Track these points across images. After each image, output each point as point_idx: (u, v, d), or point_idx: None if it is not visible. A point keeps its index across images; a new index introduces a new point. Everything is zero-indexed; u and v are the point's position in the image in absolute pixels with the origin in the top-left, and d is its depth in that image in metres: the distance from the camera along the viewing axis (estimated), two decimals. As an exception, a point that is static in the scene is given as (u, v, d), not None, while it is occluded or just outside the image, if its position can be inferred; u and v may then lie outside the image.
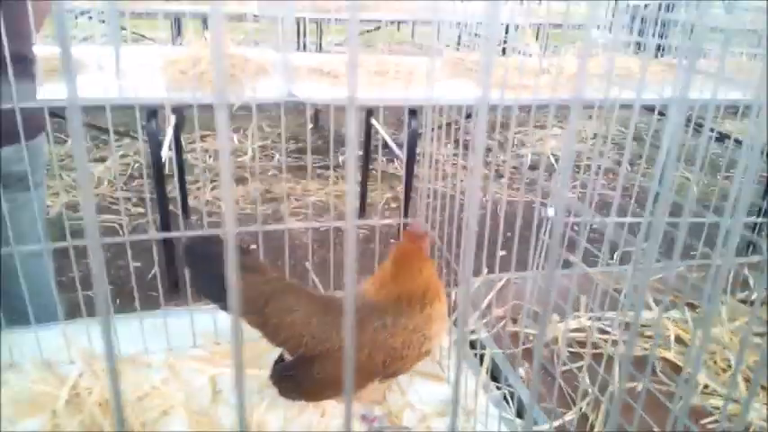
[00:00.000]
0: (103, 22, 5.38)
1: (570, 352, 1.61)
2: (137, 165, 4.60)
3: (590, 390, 1.44)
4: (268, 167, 4.82)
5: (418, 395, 1.43)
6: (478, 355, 1.55)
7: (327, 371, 1.22)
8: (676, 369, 1.58)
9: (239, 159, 4.71)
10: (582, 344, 1.64)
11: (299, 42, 4.53)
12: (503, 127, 5.52)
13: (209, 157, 4.87)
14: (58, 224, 1.48)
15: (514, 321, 1.71)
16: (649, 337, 1.67)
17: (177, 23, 4.52)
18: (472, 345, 1.59)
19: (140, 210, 4.06)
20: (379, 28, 5.25)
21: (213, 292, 1.25)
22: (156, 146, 3.25)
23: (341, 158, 4.85)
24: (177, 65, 3.32)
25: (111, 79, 3.20)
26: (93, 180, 4.23)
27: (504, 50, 3.79)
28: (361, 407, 1.36)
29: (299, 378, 1.24)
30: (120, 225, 3.73)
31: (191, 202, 4.08)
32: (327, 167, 4.80)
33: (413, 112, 3.57)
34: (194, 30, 3.68)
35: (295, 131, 5.54)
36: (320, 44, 5.35)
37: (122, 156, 4.68)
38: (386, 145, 3.91)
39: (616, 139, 5.22)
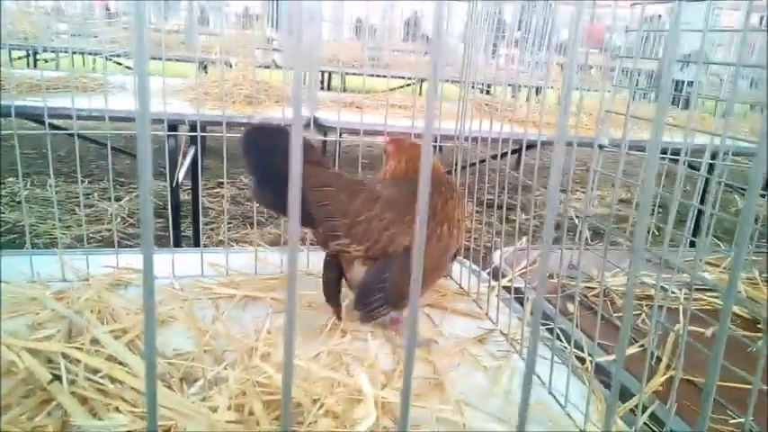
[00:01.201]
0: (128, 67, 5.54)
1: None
2: (152, 205, 4.53)
3: (653, 330, 1.25)
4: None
5: (454, 328, 1.25)
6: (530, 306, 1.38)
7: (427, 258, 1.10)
8: (748, 322, 1.39)
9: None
10: (639, 298, 1.46)
11: (322, 84, 4.59)
12: (525, 189, 5.48)
13: (227, 201, 4.81)
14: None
15: (551, 277, 1.54)
16: (712, 293, 1.49)
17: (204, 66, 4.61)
18: (510, 291, 1.42)
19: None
20: (408, 85, 5.34)
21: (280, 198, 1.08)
22: (173, 167, 3.19)
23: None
24: (201, 88, 3.32)
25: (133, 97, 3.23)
26: (107, 217, 4.17)
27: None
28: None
29: (395, 279, 1.09)
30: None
31: (204, 241, 3.97)
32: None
33: (439, 149, 3.51)
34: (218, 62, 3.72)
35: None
36: (344, 88, 5.44)
37: (138, 195, 4.63)
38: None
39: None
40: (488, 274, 1.50)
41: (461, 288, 1.43)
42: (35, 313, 1.14)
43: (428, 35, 6.00)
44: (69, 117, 2.48)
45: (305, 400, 0.87)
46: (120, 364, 0.95)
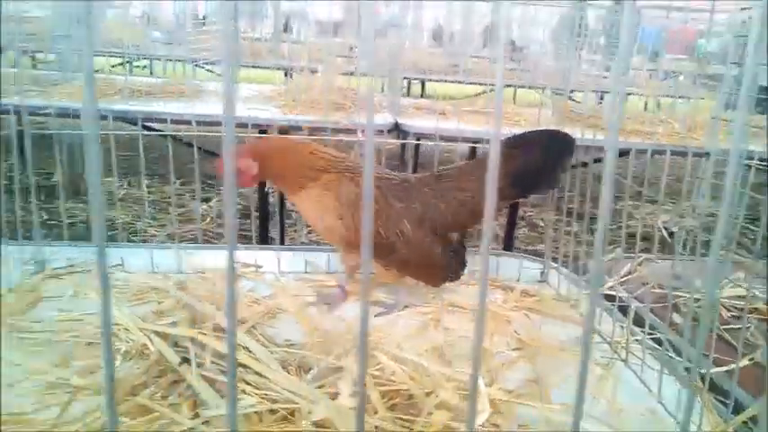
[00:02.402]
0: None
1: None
2: (239, 206, 4.71)
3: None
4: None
5: (555, 332, 1.25)
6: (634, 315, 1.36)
7: None
8: None
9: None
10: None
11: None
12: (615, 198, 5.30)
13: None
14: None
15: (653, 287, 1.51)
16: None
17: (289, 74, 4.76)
18: (612, 299, 1.41)
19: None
20: (483, 92, 5.34)
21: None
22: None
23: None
24: (290, 94, 3.44)
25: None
26: (198, 215, 4.36)
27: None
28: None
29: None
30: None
31: (287, 242, 4.08)
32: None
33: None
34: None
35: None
36: (422, 93, 5.51)
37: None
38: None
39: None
40: (586, 281, 1.48)
41: (559, 294, 1.43)
42: (158, 302, 1.23)
43: (513, 41, 5.96)
44: (163, 121, 2.65)
45: (418, 392, 0.90)
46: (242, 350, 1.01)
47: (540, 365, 1.10)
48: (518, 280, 1.47)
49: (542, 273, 1.51)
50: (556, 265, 1.52)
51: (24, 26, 3.95)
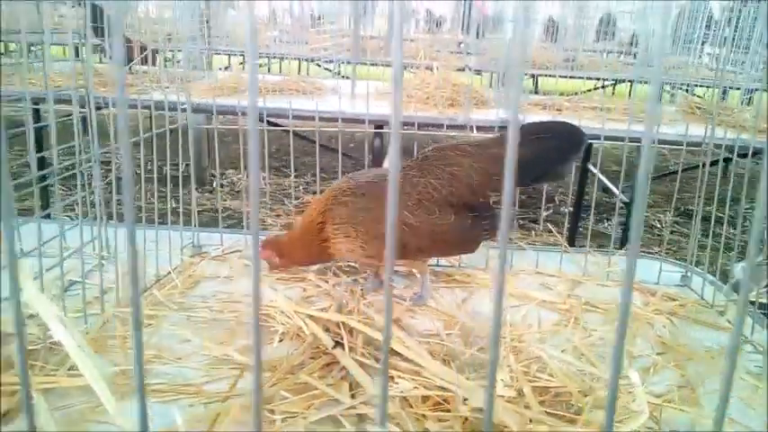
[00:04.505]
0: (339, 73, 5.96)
1: None
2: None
3: None
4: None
5: (702, 339, 1.21)
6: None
7: None
8: None
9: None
10: None
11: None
12: (734, 201, 4.99)
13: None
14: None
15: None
16: None
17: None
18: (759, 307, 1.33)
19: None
20: (597, 88, 5.18)
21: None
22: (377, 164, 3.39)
23: (545, 213, 4.67)
24: (404, 91, 3.48)
25: (345, 100, 3.48)
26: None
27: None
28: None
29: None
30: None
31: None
32: (533, 221, 4.64)
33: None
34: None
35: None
36: (536, 89, 5.42)
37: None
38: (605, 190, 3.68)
39: None
40: (731, 287, 1.42)
41: (703, 300, 1.37)
42: (303, 288, 1.30)
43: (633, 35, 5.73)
44: (285, 117, 2.78)
45: (573, 390, 0.90)
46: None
47: (689, 371, 1.07)
48: (657, 283, 1.43)
49: (683, 277, 1.45)
50: (701, 270, 1.46)
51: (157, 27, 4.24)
